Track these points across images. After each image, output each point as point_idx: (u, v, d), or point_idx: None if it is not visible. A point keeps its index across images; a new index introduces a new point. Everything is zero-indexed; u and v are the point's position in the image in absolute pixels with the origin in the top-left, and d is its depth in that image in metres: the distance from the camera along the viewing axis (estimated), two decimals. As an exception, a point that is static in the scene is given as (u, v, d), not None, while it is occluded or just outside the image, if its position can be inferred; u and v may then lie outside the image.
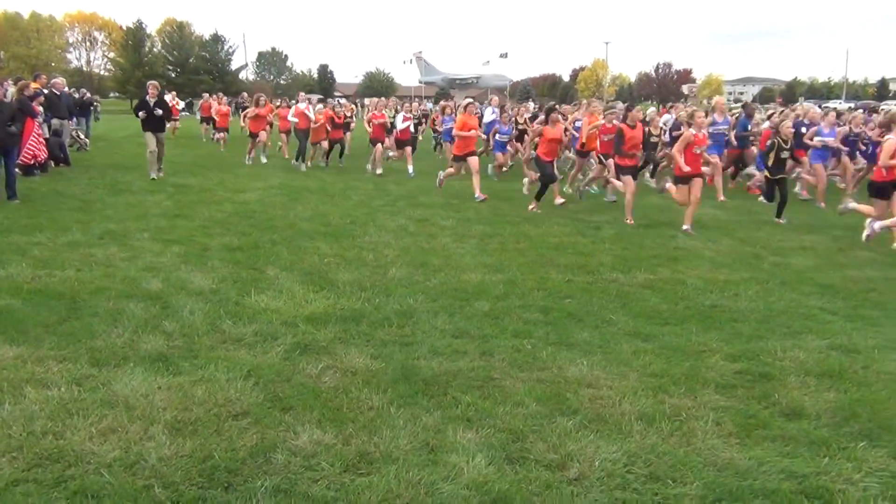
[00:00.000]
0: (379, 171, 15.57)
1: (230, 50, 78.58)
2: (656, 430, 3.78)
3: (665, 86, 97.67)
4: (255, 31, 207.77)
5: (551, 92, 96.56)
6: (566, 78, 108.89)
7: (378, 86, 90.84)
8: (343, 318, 5.46)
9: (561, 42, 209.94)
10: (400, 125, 15.93)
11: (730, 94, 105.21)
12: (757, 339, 5.26)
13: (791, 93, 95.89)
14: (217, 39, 77.99)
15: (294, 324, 5.30)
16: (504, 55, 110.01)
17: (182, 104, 23.90)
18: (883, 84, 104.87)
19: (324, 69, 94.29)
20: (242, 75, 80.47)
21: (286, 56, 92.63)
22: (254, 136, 17.39)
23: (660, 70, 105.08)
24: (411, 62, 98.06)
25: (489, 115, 16.80)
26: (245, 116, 19.32)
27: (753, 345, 5.14)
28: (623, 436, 3.71)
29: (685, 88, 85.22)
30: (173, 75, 72.42)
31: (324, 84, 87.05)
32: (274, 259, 7.34)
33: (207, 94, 28.92)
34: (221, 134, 21.90)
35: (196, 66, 73.88)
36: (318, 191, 12.77)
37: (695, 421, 3.90)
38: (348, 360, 4.63)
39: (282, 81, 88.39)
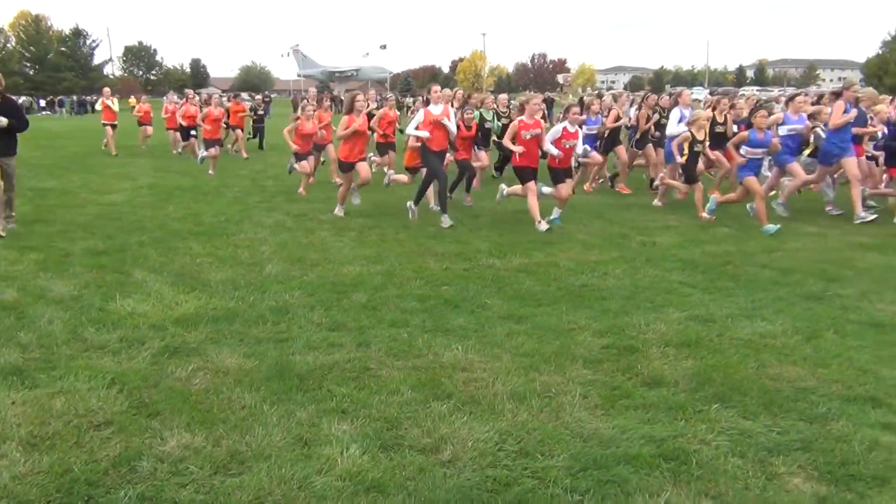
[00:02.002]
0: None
1: (93, 45, 74.60)
2: (527, 407, 3.90)
3: (541, 75, 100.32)
4: (120, 25, 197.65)
5: (431, 81, 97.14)
6: (446, 69, 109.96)
7: (255, 80, 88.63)
8: (215, 318, 5.32)
9: (439, 33, 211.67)
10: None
11: (602, 82, 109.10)
12: (623, 315, 5.51)
13: (659, 81, 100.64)
14: (78, 34, 73.86)
15: (163, 327, 5.11)
16: (383, 47, 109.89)
17: (116, 104, 20.49)
18: (741, 71, 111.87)
19: (196, 63, 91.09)
20: (107, 70, 76.54)
21: (155, 50, 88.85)
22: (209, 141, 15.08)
23: (535, 60, 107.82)
24: (289, 55, 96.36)
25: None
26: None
27: (619, 320, 5.38)
28: (495, 415, 3.80)
29: (560, 78, 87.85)
30: (31, 73, 68.02)
31: (197, 79, 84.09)
32: (142, 261, 7.05)
33: (173, 94, 23.80)
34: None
35: (56, 62, 69.67)
36: (191, 189, 12.34)
37: (563, 396, 4.05)
38: (220, 360, 4.51)
39: (151, 77, 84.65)
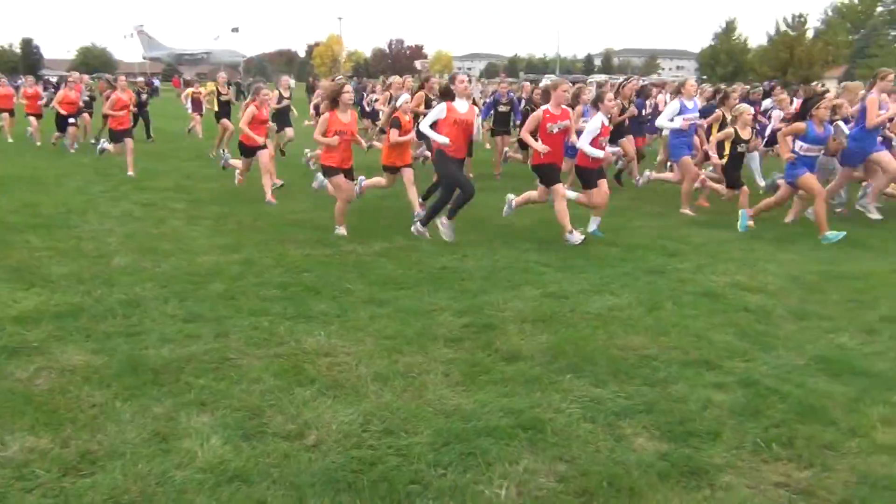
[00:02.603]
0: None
1: None
2: (390, 388, 3.96)
3: (399, 61, 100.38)
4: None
5: (288, 69, 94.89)
6: (302, 54, 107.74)
7: (95, 62, 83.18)
8: (58, 314, 5.00)
9: (294, 16, 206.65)
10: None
11: (458, 69, 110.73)
12: (482, 294, 5.69)
13: (513, 68, 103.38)
14: None
15: (-1, 326, 4.75)
16: (235, 30, 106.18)
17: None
18: (589, 59, 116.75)
19: (27, 44, 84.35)
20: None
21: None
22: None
23: (393, 46, 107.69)
24: (132, 36, 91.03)
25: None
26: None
27: (478, 299, 5.55)
28: (359, 398, 3.84)
29: (417, 64, 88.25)
30: None
31: (29, 60, 77.82)
32: (-29, 257, 6.49)
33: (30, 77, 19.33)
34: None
35: None
36: (28, 179, 11.46)
37: (426, 375, 4.14)
38: (65, 358, 4.26)
39: (-26, 58, 77.68)
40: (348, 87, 8.10)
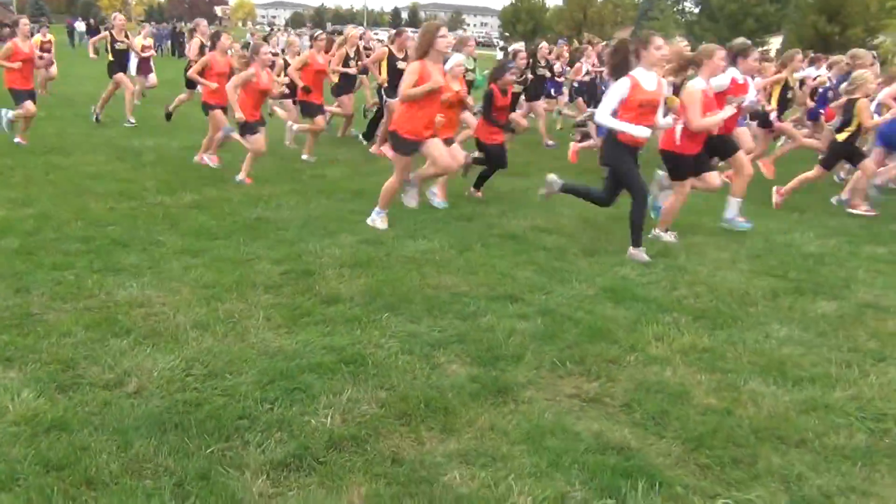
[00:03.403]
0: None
1: None
2: (212, 334, 3.98)
3: (197, 6, 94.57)
4: None
5: (69, 9, 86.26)
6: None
7: None
8: None
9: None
10: None
11: (262, 17, 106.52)
12: (299, 243, 5.76)
13: (320, 18, 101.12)
14: None
15: None
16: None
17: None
18: (396, 12, 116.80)
19: None
20: None
21: None
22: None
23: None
24: None
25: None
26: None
27: (296, 248, 5.62)
28: (180, 345, 3.83)
29: (219, 10, 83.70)
30: None
31: None
32: None
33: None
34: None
35: None
36: None
37: (247, 320, 4.20)
38: None
39: None
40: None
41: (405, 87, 5.99)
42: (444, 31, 6.10)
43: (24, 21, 9.56)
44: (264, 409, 3.24)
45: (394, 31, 11.58)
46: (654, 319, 4.53)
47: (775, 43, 48.89)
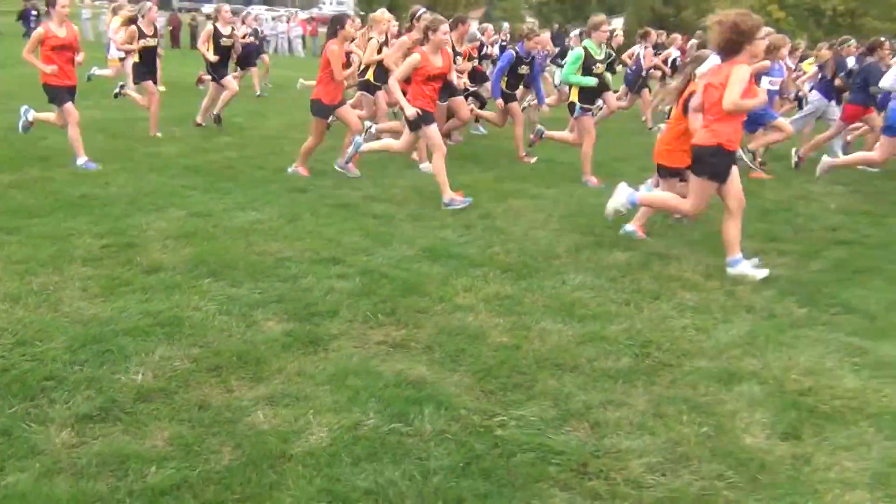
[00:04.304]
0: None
1: None
2: (23, 305, 3.98)
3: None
4: None
5: None
6: None
7: None
8: None
9: None
10: None
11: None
12: (125, 218, 5.73)
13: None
14: None
15: None
16: None
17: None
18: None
19: None
20: None
21: None
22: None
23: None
24: None
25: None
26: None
27: (121, 223, 5.60)
28: (-13, 318, 3.81)
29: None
30: None
31: None
32: None
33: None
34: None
35: None
36: None
37: (62, 292, 4.21)
38: None
39: None
40: None
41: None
42: None
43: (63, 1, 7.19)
44: (73, 371, 3.32)
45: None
46: (465, 273, 4.91)
47: (618, 24, 51.47)
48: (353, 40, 8.69)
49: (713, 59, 5.55)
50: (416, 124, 6.67)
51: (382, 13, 9.75)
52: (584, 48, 7.69)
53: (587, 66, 7.68)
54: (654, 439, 3.08)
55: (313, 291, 4.46)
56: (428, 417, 3.11)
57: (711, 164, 5.07)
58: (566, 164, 8.85)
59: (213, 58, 10.10)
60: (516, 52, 9.00)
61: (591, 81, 7.67)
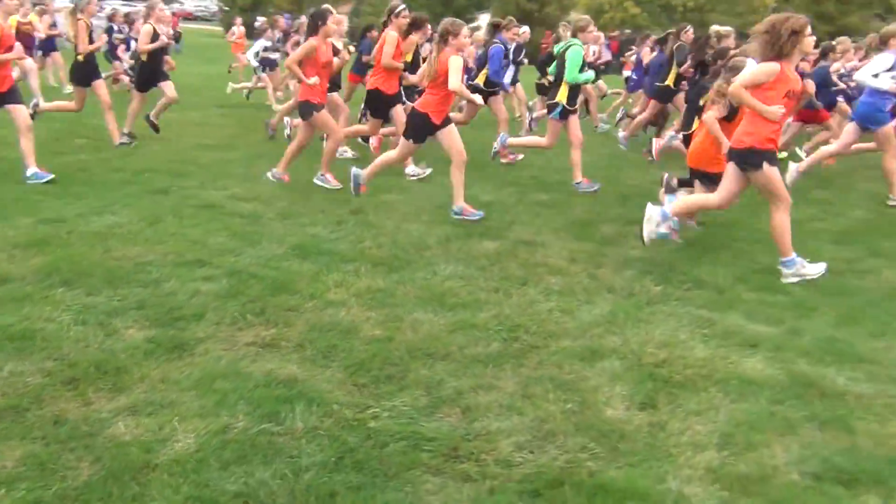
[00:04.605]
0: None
1: None
2: None
3: None
4: None
5: None
6: None
7: None
8: None
9: None
10: None
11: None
12: (-35, 228, 5.32)
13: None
14: None
15: None
16: None
17: None
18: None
19: None
20: None
21: None
22: None
23: None
24: None
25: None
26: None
27: (-40, 233, 5.19)
28: None
29: None
30: None
31: None
32: None
33: None
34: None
35: None
36: None
37: None
38: None
39: None
40: None
41: None
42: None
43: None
44: None
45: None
46: (336, 269, 4.89)
47: (484, 19, 52.43)
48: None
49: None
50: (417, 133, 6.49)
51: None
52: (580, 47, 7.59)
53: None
54: (522, 419, 3.19)
55: (177, 295, 4.31)
56: (299, 415, 3.08)
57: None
58: (437, 158, 8.95)
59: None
60: (504, 45, 9.15)
61: (591, 76, 7.81)
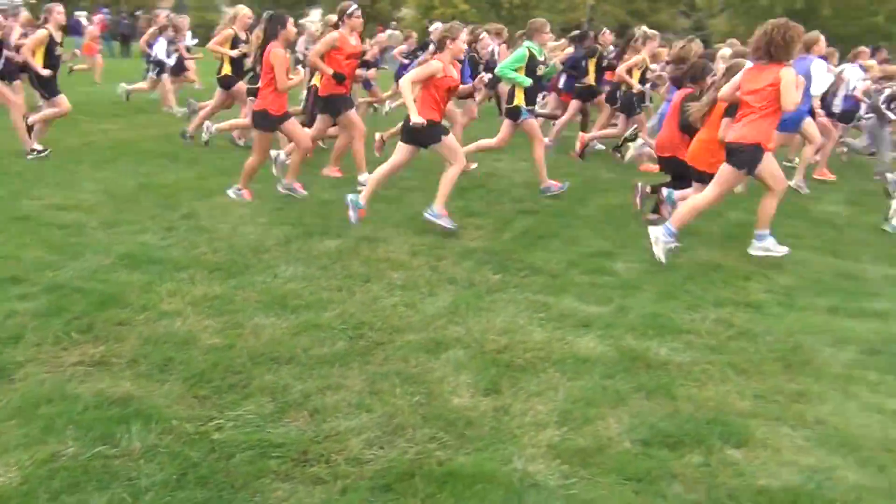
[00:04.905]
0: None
1: None
2: None
3: None
4: None
5: None
6: None
7: None
8: None
9: None
10: None
11: None
12: None
13: None
14: None
15: None
16: None
17: None
18: None
19: None
20: None
21: None
22: None
23: None
24: None
25: None
26: None
27: None
28: None
29: None
30: None
31: None
32: None
33: None
34: None
35: None
36: None
37: None
38: None
39: None
40: None
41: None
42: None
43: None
44: None
45: None
46: (169, 278, 4.66)
47: (314, 15, 51.76)
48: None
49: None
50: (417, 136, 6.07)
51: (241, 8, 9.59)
52: (528, 49, 7.46)
53: (531, 68, 7.44)
54: (371, 416, 3.20)
55: (-11, 317, 3.95)
56: (136, 435, 2.92)
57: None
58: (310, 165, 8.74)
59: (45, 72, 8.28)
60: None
61: (528, 81, 7.40)
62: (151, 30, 13.02)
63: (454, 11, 42.68)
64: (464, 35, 6.26)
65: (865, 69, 10.26)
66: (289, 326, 4.07)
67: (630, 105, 9.41)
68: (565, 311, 4.53)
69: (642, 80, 9.38)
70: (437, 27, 12.10)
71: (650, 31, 9.68)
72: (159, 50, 12.47)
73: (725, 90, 5.56)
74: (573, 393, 3.50)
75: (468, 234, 6.07)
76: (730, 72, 5.82)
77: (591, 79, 10.32)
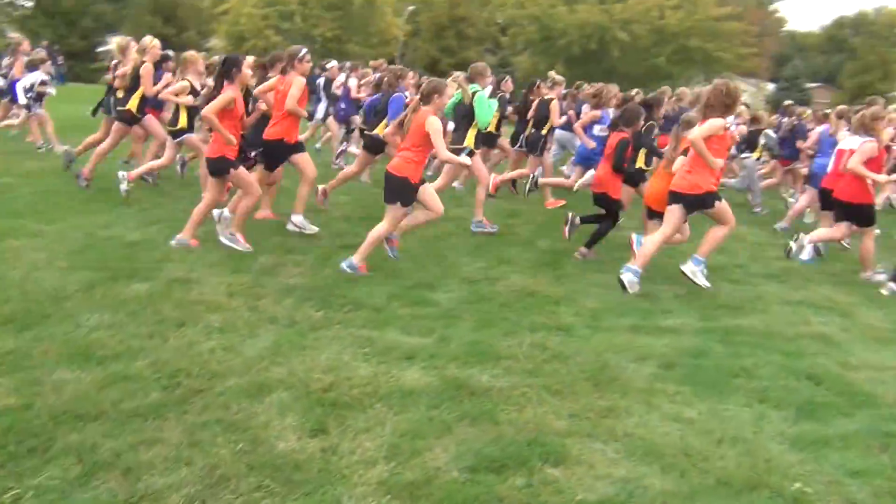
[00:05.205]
0: None
1: None
2: None
3: None
4: None
5: None
6: None
7: None
8: None
9: None
10: None
11: None
12: None
13: None
14: None
15: None
16: None
17: None
18: None
19: None
20: None
21: None
22: None
23: None
24: None
25: None
26: None
27: None
28: None
29: None
30: None
31: None
32: None
33: None
34: None
35: None
36: None
37: None
38: None
39: None
40: None
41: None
42: None
43: None
44: None
45: None
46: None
47: (114, 41, 48.86)
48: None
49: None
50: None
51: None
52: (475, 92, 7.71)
53: (462, 112, 7.97)
54: (191, 469, 3.04)
55: None
56: (-86, 517, 2.58)
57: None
58: (71, 194, 8.14)
59: None
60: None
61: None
62: None
63: (266, 44, 42.04)
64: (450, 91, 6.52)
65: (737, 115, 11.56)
66: (94, 380, 3.77)
67: (535, 146, 9.78)
68: (389, 344, 4.57)
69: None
70: (332, 65, 12.83)
71: (558, 77, 10.26)
72: None
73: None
74: (400, 426, 3.53)
75: (287, 270, 5.97)
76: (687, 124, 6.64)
77: (492, 126, 10.38)
